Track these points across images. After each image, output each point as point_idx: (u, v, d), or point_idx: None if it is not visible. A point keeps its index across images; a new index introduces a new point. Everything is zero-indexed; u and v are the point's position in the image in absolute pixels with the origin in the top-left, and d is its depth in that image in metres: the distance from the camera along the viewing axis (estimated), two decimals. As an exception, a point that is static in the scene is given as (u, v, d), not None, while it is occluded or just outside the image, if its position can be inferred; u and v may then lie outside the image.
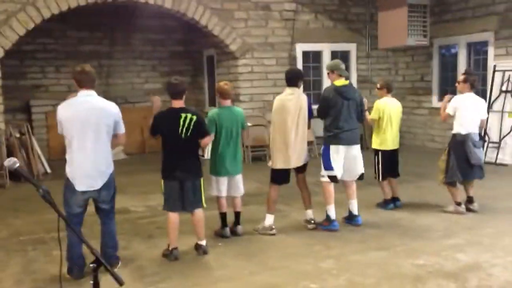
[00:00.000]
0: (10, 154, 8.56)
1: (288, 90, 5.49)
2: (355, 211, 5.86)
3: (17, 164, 2.43)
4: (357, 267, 4.52)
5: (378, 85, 6.54)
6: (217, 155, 5.35)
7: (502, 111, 9.46)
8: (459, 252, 4.83)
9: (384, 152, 6.37)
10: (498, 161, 9.28)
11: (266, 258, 4.81)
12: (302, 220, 5.79)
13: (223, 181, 5.40)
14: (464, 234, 5.38)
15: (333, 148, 5.63)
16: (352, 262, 4.64)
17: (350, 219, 5.88)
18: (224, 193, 5.42)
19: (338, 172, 5.67)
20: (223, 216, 5.46)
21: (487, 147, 9.49)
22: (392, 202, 6.44)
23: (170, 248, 4.87)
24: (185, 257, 4.89)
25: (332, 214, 5.68)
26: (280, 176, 5.55)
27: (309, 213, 5.70)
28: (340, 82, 5.70)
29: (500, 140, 9.39)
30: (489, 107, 9.67)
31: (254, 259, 4.80)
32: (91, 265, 2.28)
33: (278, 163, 5.47)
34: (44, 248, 5.24)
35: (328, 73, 5.84)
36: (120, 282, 2.23)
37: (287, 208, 6.46)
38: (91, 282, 2.30)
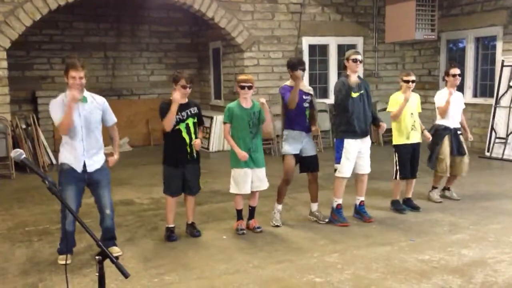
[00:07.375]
0: (16, 145, 8.60)
1: None
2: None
3: (23, 155, 2.42)
4: (362, 261, 4.51)
5: None
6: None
7: (510, 107, 9.39)
8: (464, 248, 4.82)
9: None
10: (504, 157, 9.23)
11: (271, 252, 4.81)
12: (308, 214, 5.81)
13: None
14: (469, 229, 5.36)
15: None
16: (357, 257, 4.63)
17: None
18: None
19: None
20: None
21: (493, 142, 9.43)
22: None
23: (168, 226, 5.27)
24: (190, 250, 4.90)
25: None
26: None
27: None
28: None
29: (507, 135, 9.33)
30: (497, 102, 9.62)
31: (259, 252, 4.80)
32: (96, 257, 2.28)
33: None
34: (49, 239, 5.26)
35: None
36: (125, 274, 2.24)
37: (292, 202, 6.46)
38: (97, 274, 2.30)
